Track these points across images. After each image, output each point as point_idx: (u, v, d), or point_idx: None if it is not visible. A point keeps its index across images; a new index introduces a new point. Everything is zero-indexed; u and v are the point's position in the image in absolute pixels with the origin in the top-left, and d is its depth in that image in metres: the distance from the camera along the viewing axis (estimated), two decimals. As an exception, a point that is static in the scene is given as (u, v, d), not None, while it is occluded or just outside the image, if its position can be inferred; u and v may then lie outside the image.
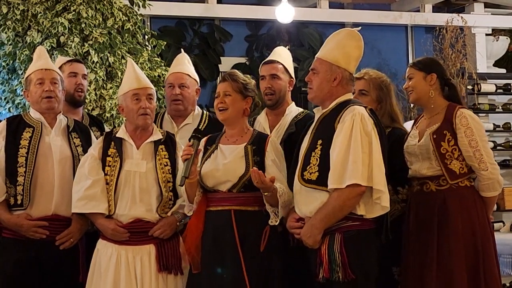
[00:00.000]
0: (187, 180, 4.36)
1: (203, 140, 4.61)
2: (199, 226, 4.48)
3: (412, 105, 9.96)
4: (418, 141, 4.68)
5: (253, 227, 4.43)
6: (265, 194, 4.31)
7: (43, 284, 4.67)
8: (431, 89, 4.72)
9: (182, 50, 5.66)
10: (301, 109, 5.22)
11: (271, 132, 5.02)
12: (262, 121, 5.15)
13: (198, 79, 5.43)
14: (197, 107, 5.40)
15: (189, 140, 4.45)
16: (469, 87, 10.46)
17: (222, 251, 4.40)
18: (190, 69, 5.40)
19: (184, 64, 5.41)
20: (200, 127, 5.16)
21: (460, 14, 10.94)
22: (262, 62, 5.27)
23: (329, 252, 4.16)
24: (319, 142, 4.24)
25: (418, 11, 11.25)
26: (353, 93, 4.60)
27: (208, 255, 4.43)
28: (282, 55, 5.27)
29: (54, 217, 4.69)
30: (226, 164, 4.47)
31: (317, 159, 4.21)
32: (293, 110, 5.18)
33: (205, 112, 5.40)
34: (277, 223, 4.41)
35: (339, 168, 4.11)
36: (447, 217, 4.57)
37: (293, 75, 5.25)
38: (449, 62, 10.23)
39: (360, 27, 4.49)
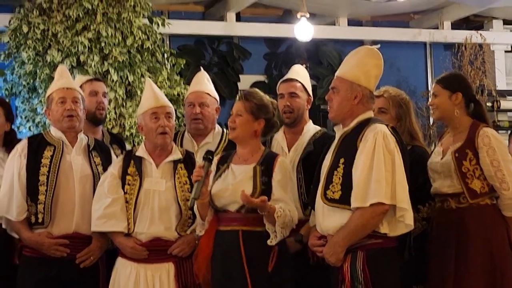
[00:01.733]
0: (199, 200, 4.35)
1: (216, 158, 4.60)
2: (209, 245, 4.46)
3: (431, 122, 10.01)
4: (441, 158, 4.66)
5: (261, 247, 4.37)
6: (263, 213, 4.28)
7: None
8: (456, 108, 4.68)
9: (201, 68, 5.65)
10: (318, 128, 5.19)
11: (289, 151, 5.01)
12: (280, 140, 5.13)
13: (218, 98, 5.41)
14: (217, 126, 5.38)
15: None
16: (489, 104, 10.43)
17: (230, 271, 4.37)
18: (210, 88, 5.39)
19: (203, 82, 5.40)
20: (220, 146, 5.17)
21: (479, 31, 10.93)
22: (280, 80, 5.25)
23: (351, 270, 4.14)
24: (341, 160, 4.23)
25: (437, 28, 11.24)
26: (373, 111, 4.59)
27: (217, 275, 4.42)
28: (300, 73, 5.25)
29: (75, 235, 4.71)
30: (234, 184, 4.44)
31: (339, 177, 4.20)
32: (310, 128, 5.15)
33: (225, 130, 5.38)
34: (275, 244, 4.34)
35: (362, 186, 4.10)
36: (465, 235, 4.54)
37: (311, 94, 5.23)
38: (468, 79, 10.18)
39: (379, 45, 4.49)
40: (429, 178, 4.75)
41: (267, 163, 4.47)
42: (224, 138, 5.26)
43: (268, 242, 4.34)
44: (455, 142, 4.65)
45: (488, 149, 4.52)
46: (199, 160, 4.81)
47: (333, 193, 4.20)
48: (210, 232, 4.47)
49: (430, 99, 4.82)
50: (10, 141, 5.22)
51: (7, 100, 7.31)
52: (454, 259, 4.54)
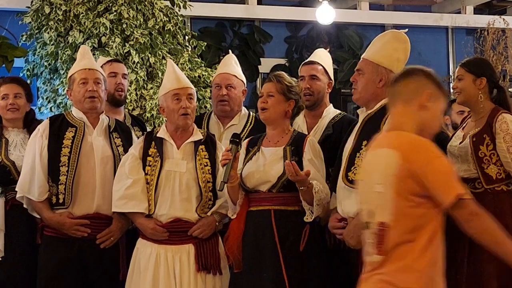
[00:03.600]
0: (228, 184, 4.38)
1: (245, 142, 4.64)
2: (240, 226, 4.50)
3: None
4: (460, 143, 4.65)
5: (292, 226, 4.43)
6: (301, 188, 4.31)
7: (85, 281, 4.70)
8: (480, 93, 4.65)
9: (230, 51, 5.66)
10: (338, 111, 5.20)
11: (309, 134, 5.02)
12: (300, 123, 5.13)
13: (245, 80, 5.42)
14: (243, 108, 5.39)
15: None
16: (511, 89, 10.37)
17: (262, 251, 4.42)
18: (237, 70, 5.39)
19: (231, 65, 5.41)
20: (246, 128, 5.20)
21: (502, 16, 10.87)
22: (302, 63, 5.27)
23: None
24: (364, 143, 4.22)
25: (459, 13, 11.20)
26: None
27: (249, 255, 4.45)
28: (322, 57, 5.26)
29: (95, 215, 4.72)
30: (265, 165, 4.49)
31: (362, 160, 4.20)
32: (330, 112, 5.16)
33: (251, 113, 5.39)
34: (311, 220, 4.40)
35: None
36: None
37: (332, 78, 5.24)
38: (491, 65, 10.15)
39: (407, 29, 4.49)
40: None
41: (296, 144, 4.51)
42: (250, 121, 5.28)
43: (305, 219, 4.40)
44: (476, 127, 4.63)
45: (505, 135, 4.50)
46: (225, 142, 4.83)
47: (355, 175, 4.20)
48: (241, 214, 4.52)
49: (454, 83, 4.79)
50: (30, 121, 5.25)
51: (28, 81, 7.37)
52: (469, 244, 4.53)
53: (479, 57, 4.81)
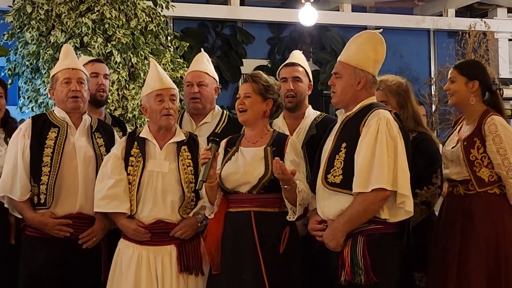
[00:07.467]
0: (207, 184, 4.37)
1: (223, 141, 4.62)
2: (219, 227, 4.48)
3: (434, 110, 10.01)
4: (453, 147, 4.68)
5: (272, 228, 4.42)
6: (285, 187, 4.29)
7: (66, 281, 4.68)
8: (471, 95, 4.69)
9: (202, 49, 5.66)
10: (318, 112, 5.22)
11: (291, 135, 5.01)
12: (280, 125, 5.13)
13: (217, 78, 5.43)
14: (217, 107, 5.40)
15: (208, 143, 4.46)
16: (493, 91, 10.42)
17: (242, 252, 4.40)
18: (209, 68, 5.40)
19: (203, 63, 5.41)
20: (219, 126, 5.21)
21: (483, 19, 10.94)
22: (282, 65, 5.26)
23: (351, 255, 4.15)
24: (343, 145, 4.23)
25: (441, 15, 11.25)
26: None
27: (228, 256, 4.43)
28: (300, 59, 5.27)
29: (78, 215, 4.71)
30: (245, 166, 4.47)
31: (341, 162, 4.20)
32: (311, 113, 5.18)
33: (225, 111, 5.39)
34: (294, 219, 4.39)
35: (364, 172, 4.10)
36: (471, 222, 4.57)
37: (311, 79, 5.25)
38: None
39: (381, 29, 4.47)
40: (441, 164, 4.78)
41: (278, 144, 4.50)
42: (223, 119, 5.30)
43: (288, 218, 4.38)
44: (468, 130, 4.67)
45: (494, 136, 4.54)
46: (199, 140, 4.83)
47: (334, 177, 4.20)
48: (219, 215, 4.49)
49: (446, 84, 4.81)
50: (5, 119, 5.21)
51: (10, 80, 7.34)
52: (459, 245, 4.57)
53: (473, 60, 4.82)
